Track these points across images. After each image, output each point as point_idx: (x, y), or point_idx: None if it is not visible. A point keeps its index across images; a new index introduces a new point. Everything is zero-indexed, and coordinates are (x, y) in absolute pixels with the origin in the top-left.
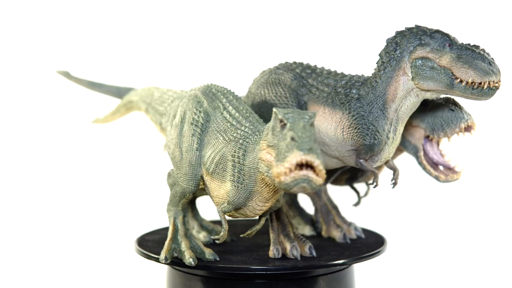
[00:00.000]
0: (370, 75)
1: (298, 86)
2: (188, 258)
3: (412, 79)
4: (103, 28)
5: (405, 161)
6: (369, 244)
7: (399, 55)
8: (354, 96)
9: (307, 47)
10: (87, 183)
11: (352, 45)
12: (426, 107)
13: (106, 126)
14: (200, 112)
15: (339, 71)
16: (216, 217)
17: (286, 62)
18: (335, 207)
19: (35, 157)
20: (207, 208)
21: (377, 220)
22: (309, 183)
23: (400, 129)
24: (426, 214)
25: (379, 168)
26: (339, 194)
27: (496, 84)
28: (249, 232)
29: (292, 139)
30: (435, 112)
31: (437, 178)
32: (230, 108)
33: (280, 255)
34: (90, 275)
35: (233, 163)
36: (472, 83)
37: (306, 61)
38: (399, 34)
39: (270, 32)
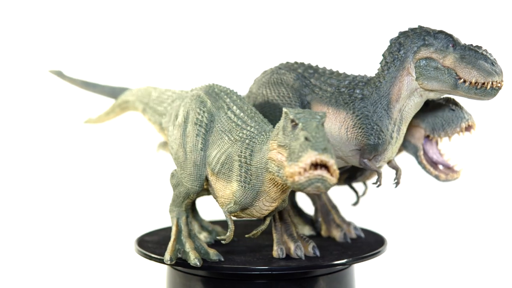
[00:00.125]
0: (373, 75)
1: (301, 86)
2: (194, 259)
3: (416, 79)
4: (97, 27)
5: (405, 161)
6: (369, 244)
7: (403, 55)
8: (358, 96)
9: (307, 47)
10: (86, 183)
11: (352, 45)
12: (427, 107)
13: (104, 126)
14: (204, 112)
15: (340, 71)
16: (215, 217)
17: (287, 62)
18: (334, 207)
19: (32, 158)
20: (206, 209)
21: (377, 220)
22: (323, 183)
23: (404, 129)
24: (426, 214)
25: (372, 173)
26: (338, 194)
27: (499, 84)
28: (254, 232)
29: (306, 139)
30: (435, 112)
31: (437, 177)
32: (235, 108)
33: (284, 255)
34: (90, 275)
35: (239, 163)
36: (475, 83)
37: (307, 61)
38: (403, 34)
39: (270, 32)
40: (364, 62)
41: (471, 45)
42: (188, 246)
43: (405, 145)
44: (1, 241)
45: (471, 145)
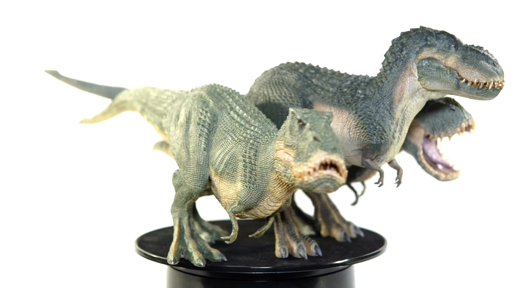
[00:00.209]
0: (375, 75)
1: (302, 86)
2: (197, 259)
3: (419, 79)
4: (93, 27)
5: (404, 161)
6: (370, 243)
7: (405, 56)
8: (360, 96)
9: (307, 47)
10: (85, 184)
11: (352, 46)
12: (426, 107)
13: (103, 126)
14: (206, 112)
15: (341, 71)
16: (214, 217)
17: (288, 62)
18: (333, 207)
19: (30, 159)
20: (205, 209)
21: (377, 220)
22: (332, 183)
23: (406, 129)
24: (426, 214)
25: (371, 172)
26: (337, 194)
27: (500, 85)
28: (258, 232)
29: (315, 138)
30: (435, 111)
31: (436, 177)
32: (237, 108)
33: (287, 255)
34: (90, 275)
35: (244, 163)
36: (477, 83)
37: (307, 61)
38: (404, 35)
39: (269, 32)
40: (364, 62)
41: (473, 45)
42: (191, 247)
43: (405, 145)
44: (1, 241)
45: (469, 145)
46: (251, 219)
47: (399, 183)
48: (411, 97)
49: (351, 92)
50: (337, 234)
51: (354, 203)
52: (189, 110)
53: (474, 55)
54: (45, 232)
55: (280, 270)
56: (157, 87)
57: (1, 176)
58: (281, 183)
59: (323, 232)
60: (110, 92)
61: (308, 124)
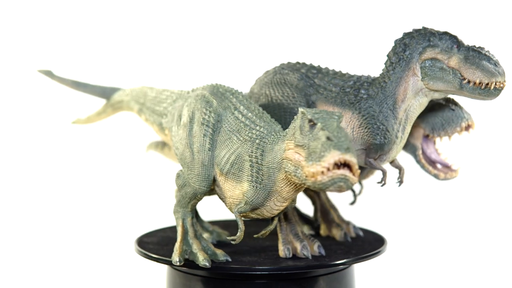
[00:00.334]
0: (378, 75)
1: (305, 86)
2: (202, 260)
3: (422, 79)
4: (87, 26)
5: (403, 161)
6: (371, 243)
7: (408, 56)
8: (364, 96)
9: (306, 47)
10: (85, 184)
11: (351, 46)
12: (426, 107)
13: (102, 127)
14: (210, 112)
15: (342, 71)
16: (213, 217)
17: (289, 62)
18: (333, 207)
19: (27, 160)
20: (204, 209)
21: (377, 220)
22: (346, 182)
23: (408, 128)
24: (426, 214)
25: (369, 172)
26: (335, 194)
27: (502, 85)
28: (263, 232)
29: (328, 138)
30: (435, 111)
31: (436, 176)
32: (242, 108)
33: (291, 255)
34: (90, 275)
35: (250, 163)
36: (479, 83)
37: (305, 61)
38: (407, 35)
39: (268, 32)
40: (364, 62)
41: (474, 46)
42: (195, 247)
43: (404, 145)
44: (1, 241)
45: (467, 144)
46: (249, 219)
47: (401, 182)
48: (414, 97)
49: (354, 92)
50: (337, 234)
51: (353, 203)
52: (192, 110)
53: (476, 56)
54: (45, 232)
55: (280, 270)
56: (155, 87)
57: (2, 178)
58: (288, 183)
59: (323, 231)
60: (105, 92)
61: (319, 124)
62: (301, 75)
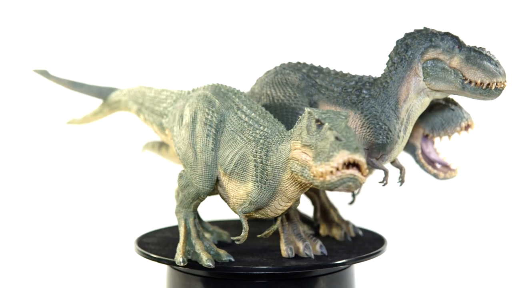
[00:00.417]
0: (379, 75)
1: (306, 86)
2: (206, 260)
3: (424, 79)
4: (83, 25)
5: (403, 161)
6: (372, 242)
7: (410, 56)
8: (366, 96)
9: (304, 47)
10: (84, 185)
11: (350, 46)
12: None
13: (101, 127)
14: (213, 112)
15: (343, 72)
16: (212, 217)
17: (290, 62)
18: (332, 206)
19: (25, 161)
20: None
21: (377, 220)
22: (354, 182)
23: (410, 128)
24: (426, 214)
25: (369, 171)
26: (335, 193)
27: (502, 85)
28: (266, 232)
29: (337, 138)
30: (434, 111)
31: (435, 176)
32: (245, 108)
33: (293, 255)
34: (90, 275)
35: (255, 163)
36: (481, 83)
37: (304, 61)
38: (409, 35)
39: (266, 32)
40: (364, 62)
41: (475, 46)
42: (198, 247)
43: None
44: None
45: (465, 144)
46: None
47: (402, 182)
48: (416, 97)
49: (356, 92)
50: (337, 234)
51: (351, 202)
52: (194, 110)
53: (477, 56)
54: (45, 233)
55: (280, 270)
56: (153, 86)
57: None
58: (294, 183)
59: (322, 231)
60: (101, 92)
61: (326, 124)
62: (302, 75)
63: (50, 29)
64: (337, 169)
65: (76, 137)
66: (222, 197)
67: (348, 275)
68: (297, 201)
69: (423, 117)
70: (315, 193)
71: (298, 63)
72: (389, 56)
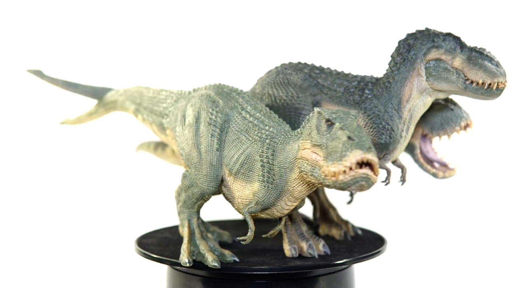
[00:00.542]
0: (382, 76)
1: (309, 86)
2: (212, 260)
3: (426, 79)
4: (77, 24)
5: (403, 161)
6: (372, 242)
7: (413, 57)
8: (369, 96)
9: (303, 47)
10: (84, 185)
11: (350, 46)
12: None
13: (100, 127)
14: (217, 112)
15: (344, 72)
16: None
17: (290, 62)
18: (331, 206)
19: (23, 162)
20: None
21: (377, 220)
22: (367, 182)
23: (412, 128)
24: (426, 214)
25: None
26: (334, 193)
27: (503, 85)
28: (271, 232)
29: (349, 138)
30: (433, 111)
31: (434, 175)
32: (249, 108)
33: (297, 255)
34: (90, 275)
35: (261, 163)
36: (482, 83)
37: (301, 60)
38: (411, 36)
39: (264, 32)
40: (363, 62)
41: (476, 47)
42: (203, 248)
43: None
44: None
45: (463, 143)
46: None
47: (403, 181)
48: (418, 97)
49: (359, 92)
50: (337, 233)
51: (350, 202)
52: (197, 110)
53: (479, 56)
54: (45, 233)
55: (280, 270)
56: (150, 86)
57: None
58: (301, 182)
59: (321, 231)
60: (96, 93)
61: (337, 123)
62: (304, 75)
63: (44, 28)
64: (350, 168)
65: (74, 137)
66: (226, 198)
67: (348, 275)
68: (303, 201)
69: (422, 116)
70: (314, 193)
71: (299, 63)
72: (391, 56)
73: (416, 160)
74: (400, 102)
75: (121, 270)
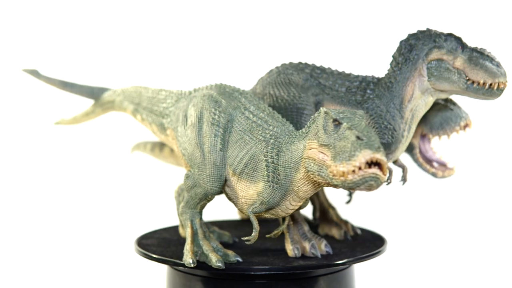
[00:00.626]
0: (383, 76)
1: (311, 86)
2: (216, 261)
3: (428, 79)
4: (74, 24)
5: (403, 161)
6: (373, 241)
7: (415, 57)
8: (371, 96)
9: (302, 47)
10: (84, 185)
11: (349, 46)
12: None
13: (100, 127)
14: (220, 112)
15: (344, 71)
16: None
17: (291, 63)
18: (331, 206)
19: (23, 163)
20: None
21: (377, 220)
22: (376, 181)
23: (413, 128)
24: (426, 214)
25: None
26: (334, 193)
27: (504, 85)
28: (275, 232)
29: (358, 138)
30: (433, 111)
31: (434, 174)
32: (252, 108)
33: (300, 254)
34: (90, 275)
35: (266, 163)
36: (483, 84)
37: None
38: (412, 36)
39: (263, 32)
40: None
41: (477, 47)
42: (206, 248)
43: None
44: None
45: (460, 143)
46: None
47: (404, 181)
48: (420, 97)
49: (361, 92)
50: (337, 233)
51: (348, 202)
52: (200, 110)
53: (479, 57)
54: (45, 233)
55: (276, 270)
56: (149, 86)
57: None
58: (307, 182)
59: (321, 230)
60: (93, 93)
61: (345, 123)
62: (306, 75)
63: (40, 28)
64: (360, 168)
65: (74, 137)
66: (229, 198)
67: (348, 275)
68: (307, 201)
69: (421, 116)
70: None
71: (300, 63)
72: (393, 56)
73: (416, 160)
74: (402, 102)
75: (121, 270)
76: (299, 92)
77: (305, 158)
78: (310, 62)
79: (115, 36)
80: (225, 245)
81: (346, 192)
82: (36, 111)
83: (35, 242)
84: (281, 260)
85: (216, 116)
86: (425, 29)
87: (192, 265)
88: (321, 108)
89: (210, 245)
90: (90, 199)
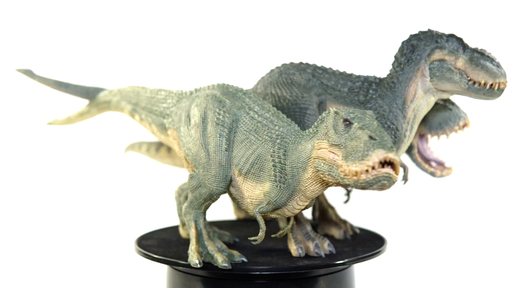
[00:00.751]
0: (386, 76)
1: (313, 86)
2: (222, 261)
3: (430, 80)
4: (69, 24)
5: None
6: (373, 241)
7: (417, 57)
8: (373, 96)
9: (301, 47)
10: (83, 186)
11: (348, 46)
12: None
13: (100, 127)
14: (224, 112)
15: (345, 71)
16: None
17: (292, 63)
18: (330, 206)
19: (23, 163)
20: None
21: (377, 220)
22: (389, 181)
23: (415, 127)
24: (426, 214)
25: None
26: (334, 193)
27: (504, 85)
28: (281, 232)
29: (371, 137)
30: (432, 111)
31: (432, 174)
32: (257, 108)
33: (304, 254)
34: (90, 275)
35: (273, 163)
36: (484, 84)
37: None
38: (414, 37)
39: (263, 32)
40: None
41: (477, 48)
42: (211, 248)
43: None
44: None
45: (458, 142)
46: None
47: (406, 180)
48: (422, 97)
49: (363, 92)
50: (336, 233)
51: (346, 201)
52: (203, 110)
53: (480, 57)
54: (45, 233)
55: (280, 270)
56: (146, 86)
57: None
58: (314, 182)
59: (320, 230)
60: (88, 93)
61: (356, 123)
62: (308, 75)
63: (35, 27)
64: (373, 168)
65: (74, 137)
66: (234, 198)
67: (348, 275)
68: (312, 201)
69: None
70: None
71: (301, 63)
72: (395, 57)
73: (414, 160)
74: (404, 102)
75: (121, 270)
76: (301, 92)
77: (314, 158)
78: (311, 62)
79: (110, 36)
80: (226, 245)
81: (344, 191)
82: (31, 112)
83: (35, 243)
84: (285, 260)
85: (221, 116)
86: (426, 29)
87: (198, 266)
88: (330, 108)
89: (215, 245)
90: (89, 199)
